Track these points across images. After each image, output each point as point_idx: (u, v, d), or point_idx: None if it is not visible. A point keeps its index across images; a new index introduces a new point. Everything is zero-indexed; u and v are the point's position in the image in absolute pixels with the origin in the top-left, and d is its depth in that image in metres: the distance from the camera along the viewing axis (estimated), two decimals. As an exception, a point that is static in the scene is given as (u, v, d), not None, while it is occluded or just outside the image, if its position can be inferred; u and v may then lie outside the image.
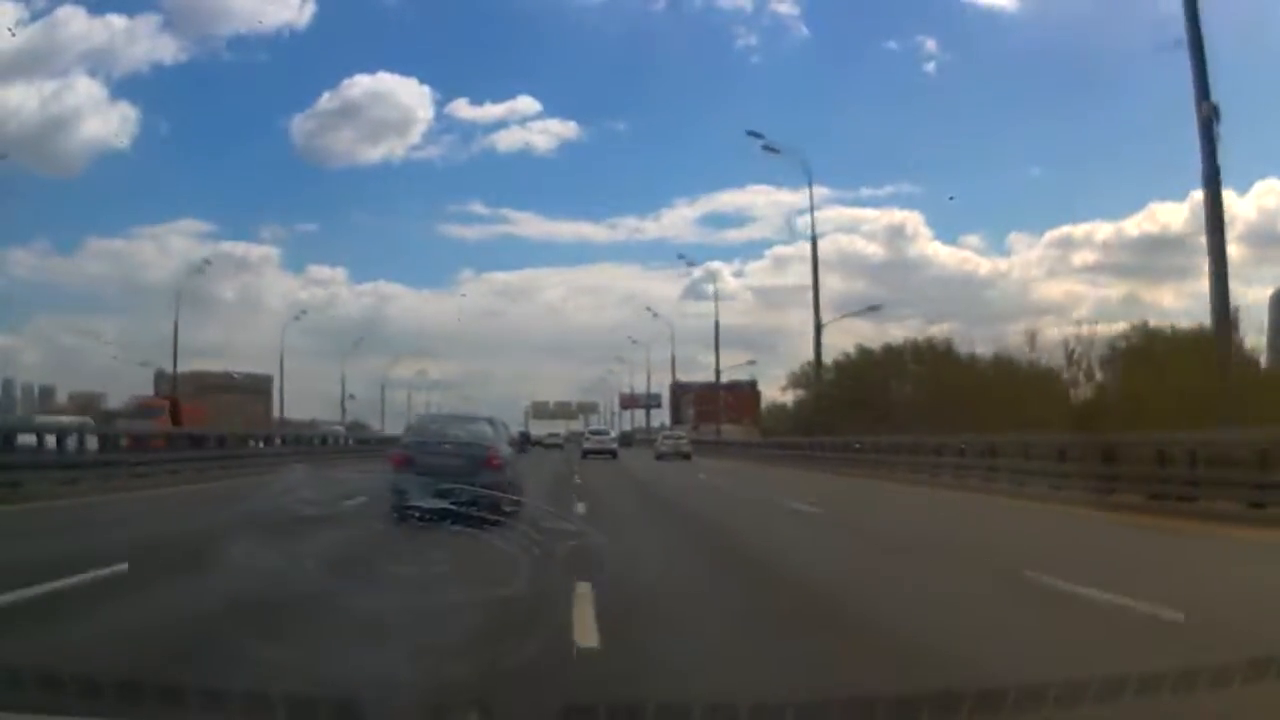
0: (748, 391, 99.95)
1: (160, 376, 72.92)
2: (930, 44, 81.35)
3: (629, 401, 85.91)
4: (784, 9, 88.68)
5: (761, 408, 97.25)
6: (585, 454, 35.07)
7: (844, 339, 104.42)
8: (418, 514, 8.64)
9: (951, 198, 74.46)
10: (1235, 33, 68.00)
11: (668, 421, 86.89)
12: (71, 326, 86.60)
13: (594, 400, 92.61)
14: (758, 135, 34.20)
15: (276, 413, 65.74)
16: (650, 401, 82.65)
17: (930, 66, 65.34)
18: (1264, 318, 39.33)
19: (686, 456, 37.78)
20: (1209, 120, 15.89)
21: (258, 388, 78.43)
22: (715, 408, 73.60)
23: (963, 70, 67.72)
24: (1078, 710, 3.68)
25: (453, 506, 7.86)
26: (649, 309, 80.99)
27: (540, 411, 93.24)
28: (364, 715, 3.50)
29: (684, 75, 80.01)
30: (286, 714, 3.54)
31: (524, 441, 44.00)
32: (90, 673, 3.93)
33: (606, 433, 49.68)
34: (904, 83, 69.93)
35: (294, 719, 3.53)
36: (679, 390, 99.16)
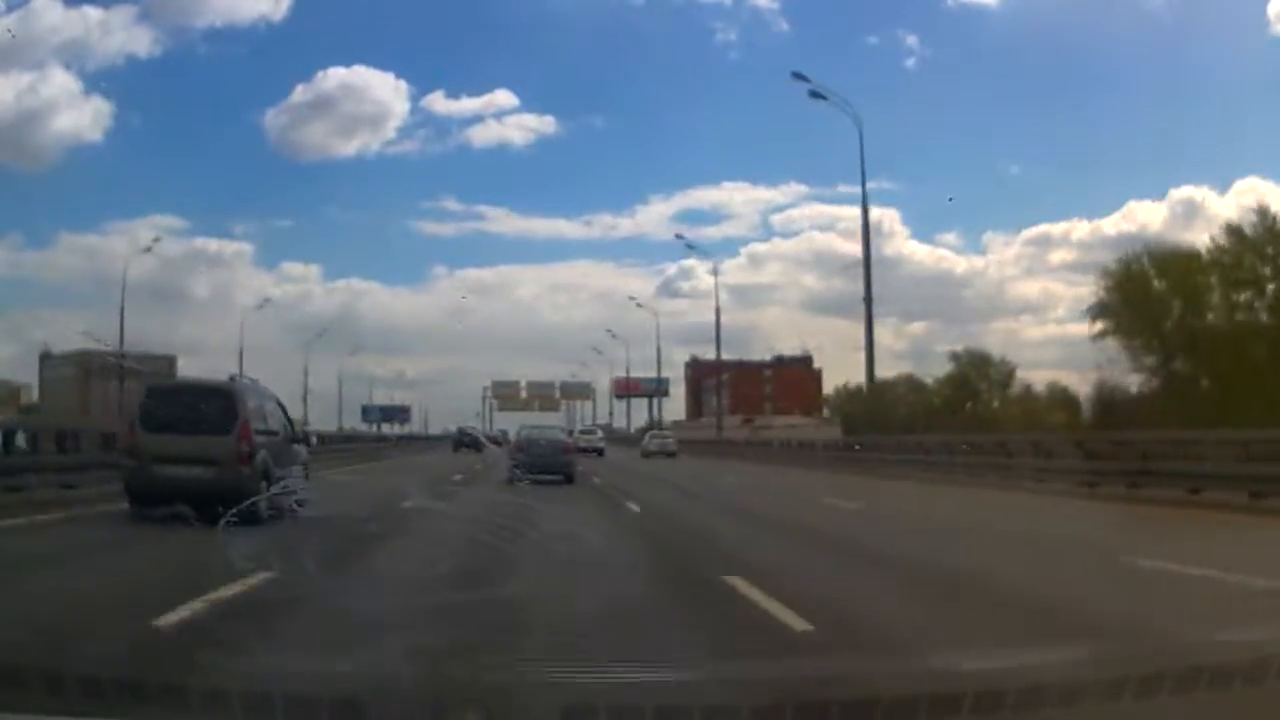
0: (804, 372, 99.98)
1: (46, 358, 77.60)
2: (911, 39, 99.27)
3: (627, 387, 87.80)
4: (764, 3, 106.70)
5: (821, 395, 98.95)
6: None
7: (813, 339, 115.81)
8: (526, 477, 22.79)
9: (951, 199, 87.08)
10: (1218, 33, 78.29)
11: (683, 413, 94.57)
12: (42, 321, 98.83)
13: (584, 381, 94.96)
14: (804, 78, 36.63)
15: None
16: (656, 388, 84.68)
17: (911, 62, 76.90)
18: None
19: (672, 455, 52.39)
20: None
21: (159, 371, 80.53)
22: (757, 394, 74.44)
23: (943, 67, 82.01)
24: (1077, 709, 4.95)
25: (544, 472, 23.96)
26: (631, 298, 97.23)
27: (508, 399, 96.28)
28: (365, 713, 4.79)
29: (663, 70, 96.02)
30: (286, 713, 4.72)
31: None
32: (91, 672, 5.21)
33: (595, 431, 64.66)
34: (884, 78, 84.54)
35: (294, 718, 4.78)
36: (699, 371, 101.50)
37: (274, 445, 14.82)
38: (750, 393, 69.90)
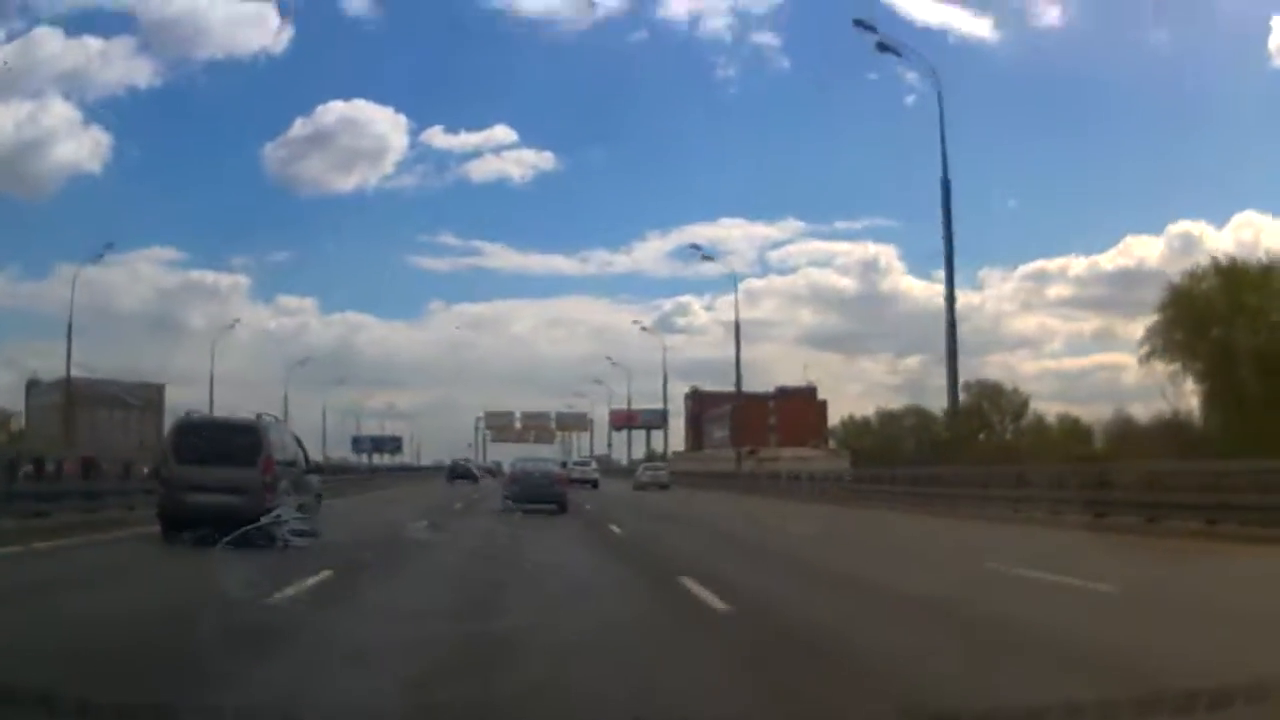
0: (807, 403, 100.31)
1: (33, 386, 78.29)
2: (910, 76, 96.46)
3: (624, 419, 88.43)
4: (764, 40, 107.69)
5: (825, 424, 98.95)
6: (569, 482, 41.71)
7: (808, 373, 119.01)
8: (519, 504, 25.51)
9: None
10: (1217, 66, 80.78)
11: (681, 445, 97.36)
12: (39, 351, 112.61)
13: (580, 412, 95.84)
14: (869, 28, 34.31)
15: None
16: (652, 420, 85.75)
17: (910, 99, 76.65)
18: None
19: (665, 487, 53.65)
20: None
21: (148, 400, 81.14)
22: (760, 425, 74.29)
23: (942, 103, 76.45)
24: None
25: (537, 501, 25.94)
26: (636, 321, 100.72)
27: (502, 430, 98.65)
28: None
29: (662, 106, 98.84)
30: None
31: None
32: (85, 694, 5.34)
33: (589, 463, 67.11)
34: (884, 115, 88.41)
35: None
36: (699, 403, 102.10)
37: (292, 476, 16.64)
38: (752, 424, 69.56)
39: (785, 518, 26.97)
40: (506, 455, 75.88)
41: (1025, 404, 79.26)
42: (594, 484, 52.68)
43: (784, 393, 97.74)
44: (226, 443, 15.79)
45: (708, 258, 69.77)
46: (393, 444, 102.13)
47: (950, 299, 32.78)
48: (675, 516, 27.73)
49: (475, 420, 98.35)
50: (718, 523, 25.51)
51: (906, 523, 25.13)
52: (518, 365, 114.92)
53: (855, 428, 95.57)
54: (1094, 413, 70.23)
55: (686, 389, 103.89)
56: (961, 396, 79.08)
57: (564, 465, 44.80)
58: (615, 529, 21.09)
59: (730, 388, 76.30)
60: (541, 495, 26.24)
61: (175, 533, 14.99)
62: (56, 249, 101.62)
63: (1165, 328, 46.57)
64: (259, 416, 16.87)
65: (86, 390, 67.57)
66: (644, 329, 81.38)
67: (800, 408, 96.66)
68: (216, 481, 15.13)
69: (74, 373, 55.99)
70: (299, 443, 18.48)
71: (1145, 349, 47.28)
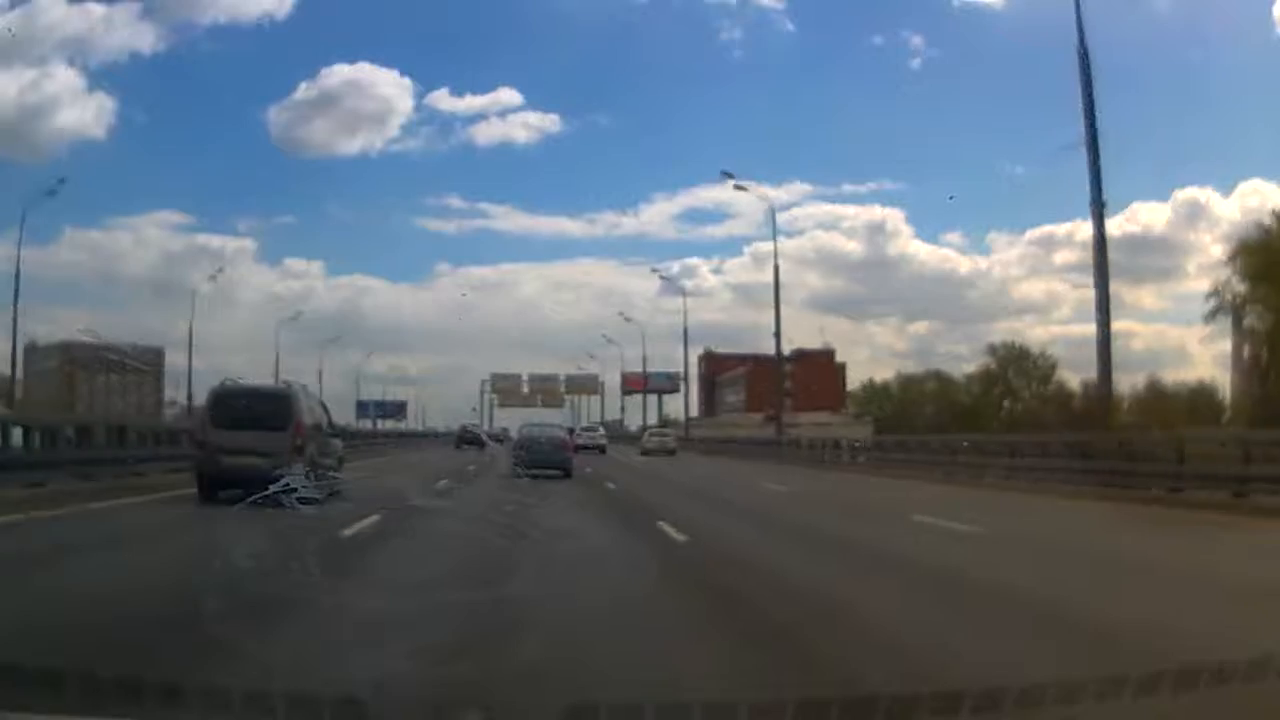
0: (825, 366, 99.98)
1: (31, 351, 79.11)
2: (917, 40, 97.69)
3: (638, 383, 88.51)
4: (769, 2, 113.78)
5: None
6: (577, 448, 43.07)
7: (816, 338, 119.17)
8: (526, 469, 26.98)
9: (952, 197, 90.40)
10: (1223, 34, 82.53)
11: (695, 409, 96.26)
12: (44, 316, 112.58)
13: (591, 374, 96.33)
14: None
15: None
16: (663, 385, 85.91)
17: (916, 62, 76.00)
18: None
19: (671, 453, 55.72)
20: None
21: (147, 363, 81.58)
22: (775, 389, 74.08)
23: (949, 67, 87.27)
24: (1078, 708, 5.23)
25: (544, 466, 28.23)
26: (654, 270, 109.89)
27: (508, 393, 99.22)
28: (366, 713, 5.08)
29: (667, 68, 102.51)
30: (287, 712, 5.02)
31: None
32: (91, 670, 5.51)
33: (596, 429, 68.36)
34: (889, 78, 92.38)
35: (295, 718, 5.08)
36: (713, 365, 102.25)
37: (318, 440, 18.28)
38: (768, 388, 69.12)
39: (888, 501, 22.15)
40: (513, 420, 77.04)
41: (1053, 369, 78.59)
42: (601, 449, 55.02)
43: (801, 355, 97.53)
44: (259, 408, 17.49)
45: (740, 188, 69.18)
46: (396, 409, 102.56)
47: (1097, 204, 28.88)
48: (735, 503, 21.77)
49: (481, 383, 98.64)
50: (804, 513, 19.56)
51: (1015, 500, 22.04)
52: (525, 329, 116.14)
53: (875, 393, 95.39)
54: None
55: (698, 352, 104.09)
56: (988, 360, 79.35)
57: (571, 432, 45.87)
58: (671, 531, 14.20)
59: (742, 350, 76.36)
60: (548, 461, 29.33)
61: (210, 492, 16.71)
62: (61, 215, 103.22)
63: (1247, 272, 44.05)
64: (289, 384, 18.84)
65: (86, 355, 68.09)
66: (664, 278, 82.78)
67: (818, 371, 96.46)
68: (249, 445, 16.53)
69: (76, 337, 56.35)
70: (324, 408, 20.51)
71: (1211, 305, 45.95)
